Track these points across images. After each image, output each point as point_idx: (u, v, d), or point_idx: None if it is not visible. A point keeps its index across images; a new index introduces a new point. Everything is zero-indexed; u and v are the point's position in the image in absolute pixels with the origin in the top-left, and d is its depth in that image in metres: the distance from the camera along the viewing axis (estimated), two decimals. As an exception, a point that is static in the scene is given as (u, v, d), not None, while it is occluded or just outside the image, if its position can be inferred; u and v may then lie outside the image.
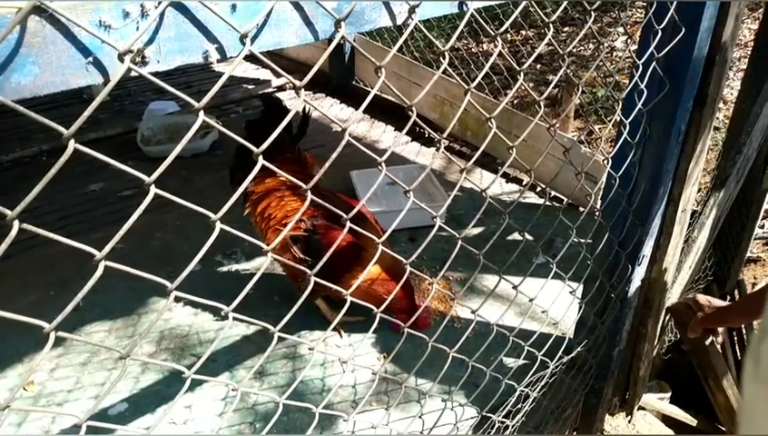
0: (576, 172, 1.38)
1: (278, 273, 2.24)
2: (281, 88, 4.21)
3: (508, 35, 5.33)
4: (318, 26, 0.71)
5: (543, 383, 1.73)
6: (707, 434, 2.40)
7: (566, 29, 5.37)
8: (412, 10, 0.79)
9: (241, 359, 2.02)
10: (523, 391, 1.65)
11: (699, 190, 2.33)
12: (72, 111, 3.64)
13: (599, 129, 4.06)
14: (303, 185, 0.79)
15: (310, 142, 3.47)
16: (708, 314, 1.83)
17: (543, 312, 1.46)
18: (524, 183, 3.06)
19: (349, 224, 0.86)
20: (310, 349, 2.06)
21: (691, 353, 2.12)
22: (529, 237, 1.51)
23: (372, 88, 0.85)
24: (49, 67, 0.52)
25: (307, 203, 0.78)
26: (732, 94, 4.12)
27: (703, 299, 1.85)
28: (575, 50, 5.07)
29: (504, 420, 1.67)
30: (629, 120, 1.43)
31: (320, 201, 0.81)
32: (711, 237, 2.14)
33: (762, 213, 2.56)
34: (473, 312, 1.20)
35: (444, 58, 0.84)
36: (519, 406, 1.69)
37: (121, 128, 3.58)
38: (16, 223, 0.51)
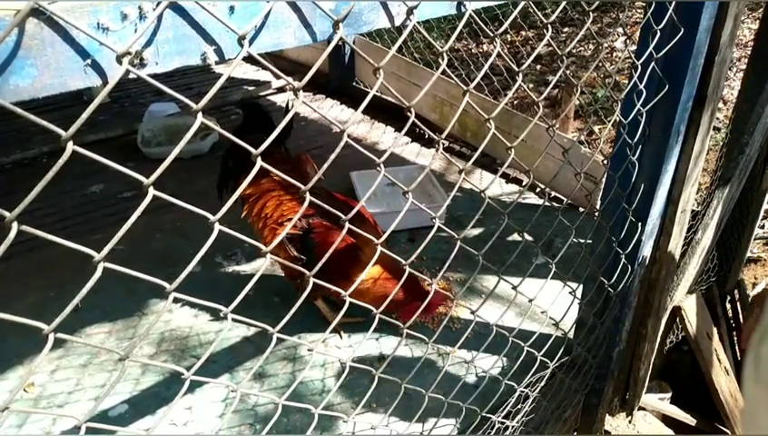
0: (576, 172, 1.38)
1: (278, 275, 2.24)
2: (281, 89, 4.21)
3: (508, 36, 5.33)
4: (316, 28, 0.71)
5: (543, 384, 1.73)
6: (707, 434, 2.40)
7: (565, 30, 5.37)
8: (410, 11, 0.79)
9: (240, 360, 2.02)
10: (523, 392, 1.65)
11: (699, 190, 2.32)
12: (72, 112, 3.62)
13: (599, 129, 4.06)
14: (297, 183, 0.79)
15: (312, 143, 3.48)
16: None
17: (542, 312, 1.46)
18: (523, 183, 3.06)
19: (347, 225, 0.86)
20: (309, 350, 2.06)
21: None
22: (529, 237, 1.52)
23: (372, 89, 0.85)
24: (47, 69, 0.52)
25: (305, 205, 0.78)
26: (732, 94, 4.13)
27: None
28: (574, 50, 5.07)
29: (504, 420, 1.66)
30: (628, 120, 1.43)
31: (317, 201, 0.81)
32: (715, 238, 2.14)
33: (762, 213, 2.56)
34: (472, 312, 1.20)
35: (443, 59, 0.85)
36: (519, 406, 1.69)
37: (121, 130, 3.58)
38: (15, 225, 0.51)
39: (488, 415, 1.59)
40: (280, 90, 4.21)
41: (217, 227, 0.68)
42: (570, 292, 1.53)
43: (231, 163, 2.17)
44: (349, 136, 0.78)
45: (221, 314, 0.75)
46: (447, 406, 1.36)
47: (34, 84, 0.52)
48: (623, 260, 1.65)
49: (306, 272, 0.87)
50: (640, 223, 1.62)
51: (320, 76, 4.02)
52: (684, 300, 2.14)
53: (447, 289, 2.32)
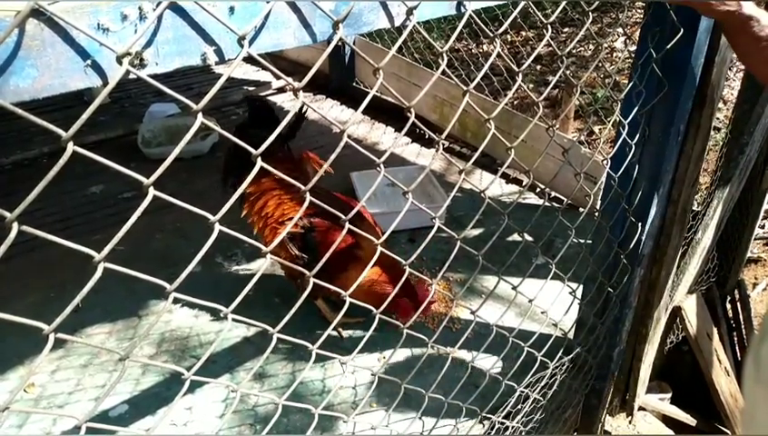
0: (576, 172, 1.38)
1: (278, 275, 2.24)
2: (282, 90, 4.21)
3: (508, 36, 5.33)
4: (316, 28, 0.71)
5: (543, 384, 1.73)
6: (707, 434, 2.40)
7: (565, 30, 5.37)
8: (410, 11, 0.79)
9: (241, 360, 2.02)
10: (523, 392, 1.65)
11: (699, 190, 2.32)
12: (73, 113, 3.63)
13: (599, 129, 4.06)
14: (297, 184, 0.79)
15: (312, 143, 3.48)
16: None
17: (543, 312, 1.46)
18: (523, 183, 3.06)
19: (347, 225, 0.86)
20: (309, 350, 2.06)
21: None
22: (529, 238, 1.51)
23: (372, 90, 0.85)
24: (48, 70, 0.52)
25: (305, 204, 0.79)
26: (732, 94, 4.12)
27: None
28: (574, 51, 5.07)
29: (504, 420, 1.66)
30: (628, 120, 1.43)
31: (316, 201, 0.81)
32: (715, 238, 2.14)
33: (762, 213, 2.55)
34: (472, 312, 1.20)
35: (442, 59, 0.85)
36: (519, 407, 1.69)
37: (121, 130, 3.58)
38: (15, 225, 0.51)
39: (488, 415, 1.59)
40: (280, 90, 4.21)
41: (217, 227, 0.68)
42: (570, 293, 1.53)
43: (233, 158, 2.17)
44: (349, 137, 0.78)
45: (222, 314, 0.75)
46: (447, 406, 1.36)
47: (35, 85, 0.52)
48: (623, 260, 1.65)
49: (306, 272, 0.87)
50: (640, 223, 1.62)
51: (320, 77, 4.02)
52: (684, 300, 2.15)
53: (447, 289, 2.32)
